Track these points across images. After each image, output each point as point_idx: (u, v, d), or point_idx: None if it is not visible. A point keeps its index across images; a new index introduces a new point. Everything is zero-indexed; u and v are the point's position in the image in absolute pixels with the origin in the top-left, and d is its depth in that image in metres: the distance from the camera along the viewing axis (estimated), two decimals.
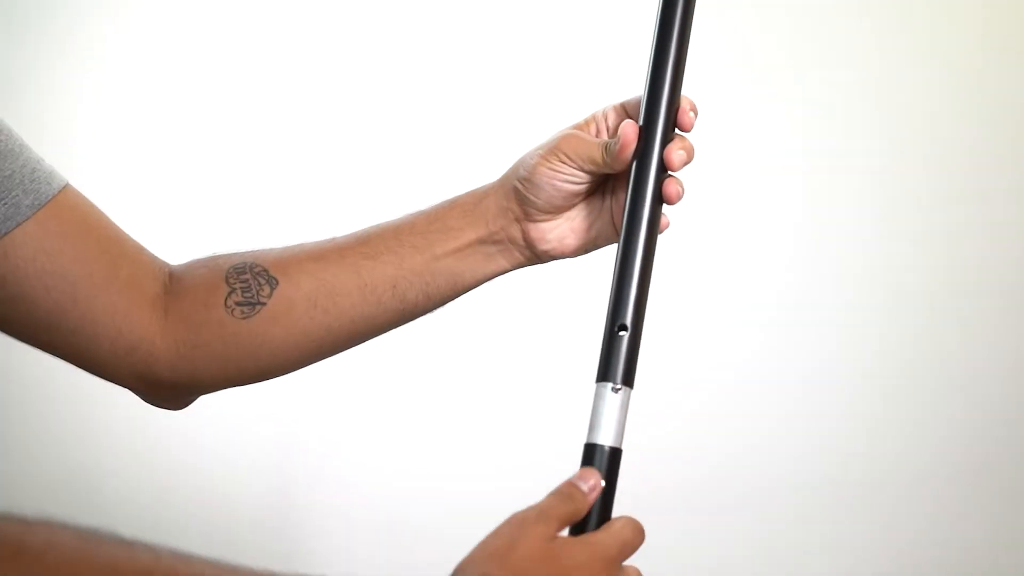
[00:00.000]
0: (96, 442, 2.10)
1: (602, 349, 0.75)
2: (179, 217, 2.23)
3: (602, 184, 0.86)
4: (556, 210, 0.85)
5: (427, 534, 1.78)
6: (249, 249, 0.92)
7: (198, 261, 0.92)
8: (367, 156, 2.11)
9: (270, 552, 1.90)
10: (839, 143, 1.76)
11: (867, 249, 1.74)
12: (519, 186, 0.85)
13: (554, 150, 0.83)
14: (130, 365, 0.88)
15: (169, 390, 0.90)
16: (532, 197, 0.85)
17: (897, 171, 1.72)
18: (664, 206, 0.80)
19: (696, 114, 0.80)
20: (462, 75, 2.03)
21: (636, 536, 0.68)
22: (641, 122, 0.80)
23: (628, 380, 0.74)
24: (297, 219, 2.12)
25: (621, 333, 0.74)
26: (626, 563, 0.68)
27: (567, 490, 0.69)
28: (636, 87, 0.84)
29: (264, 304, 0.87)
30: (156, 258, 0.92)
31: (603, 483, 0.70)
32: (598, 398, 0.74)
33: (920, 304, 1.71)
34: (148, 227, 2.18)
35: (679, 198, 0.79)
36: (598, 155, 0.82)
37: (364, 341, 0.91)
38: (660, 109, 0.79)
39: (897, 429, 1.70)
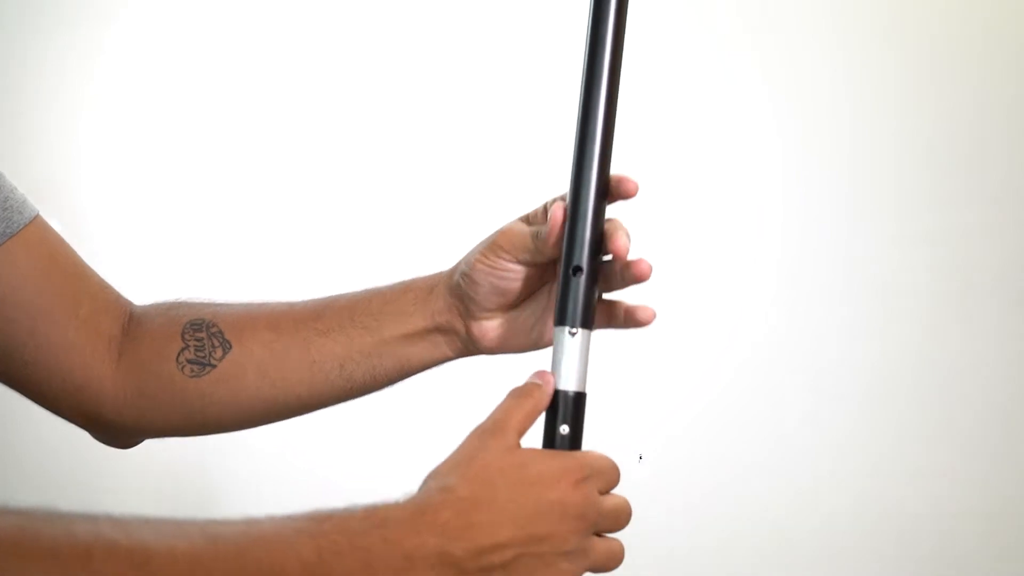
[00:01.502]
0: (93, 452, 2.12)
1: (558, 293, 0.73)
2: (173, 224, 2.25)
3: (549, 283, 0.84)
4: (497, 307, 0.83)
5: None
6: (211, 301, 0.91)
7: (159, 307, 0.92)
8: (350, 176, 2.13)
9: None
10: (839, 143, 1.74)
11: (868, 249, 1.70)
12: (460, 282, 0.84)
13: (492, 245, 0.82)
14: (77, 403, 0.88)
15: (114, 431, 0.91)
16: (471, 293, 0.83)
17: (898, 171, 1.68)
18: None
19: (635, 187, 0.75)
20: (425, 90, 2.04)
21: (608, 467, 0.67)
22: (568, 203, 0.75)
23: (586, 323, 0.72)
24: (284, 229, 2.15)
25: (576, 275, 0.73)
26: (615, 491, 0.67)
27: (523, 388, 0.70)
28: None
29: (214, 366, 0.87)
30: (120, 297, 0.92)
31: (568, 427, 0.70)
32: (557, 343, 0.72)
33: (921, 303, 1.67)
34: (141, 236, 2.20)
35: (648, 275, 0.76)
36: (530, 243, 0.79)
37: (308, 412, 0.90)
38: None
39: (897, 429, 1.66)
